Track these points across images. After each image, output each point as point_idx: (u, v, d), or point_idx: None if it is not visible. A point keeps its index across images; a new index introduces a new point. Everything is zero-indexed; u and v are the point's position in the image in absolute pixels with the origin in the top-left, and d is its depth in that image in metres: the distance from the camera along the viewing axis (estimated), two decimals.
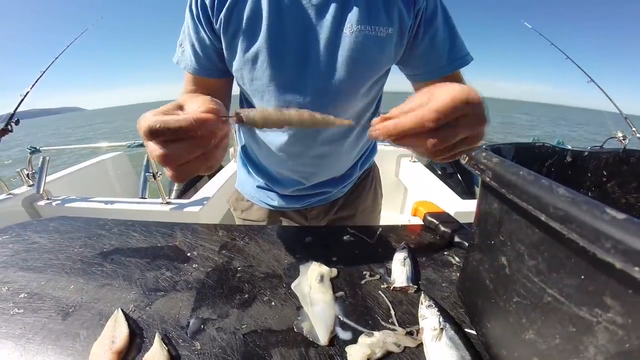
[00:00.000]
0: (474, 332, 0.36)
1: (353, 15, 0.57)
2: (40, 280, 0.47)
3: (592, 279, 0.20)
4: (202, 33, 0.61)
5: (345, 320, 0.38)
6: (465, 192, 2.09)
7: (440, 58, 0.65)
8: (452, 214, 1.62)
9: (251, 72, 0.61)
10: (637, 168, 0.39)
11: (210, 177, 2.05)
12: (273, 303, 0.41)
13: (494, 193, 0.26)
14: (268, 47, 0.58)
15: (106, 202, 1.71)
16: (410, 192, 2.26)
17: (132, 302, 0.41)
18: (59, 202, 1.77)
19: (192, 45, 0.63)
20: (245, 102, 0.74)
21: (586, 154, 0.39)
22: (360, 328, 0.37)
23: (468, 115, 0.32)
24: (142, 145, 1.69)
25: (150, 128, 0.30)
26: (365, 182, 0.90)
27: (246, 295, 0.42)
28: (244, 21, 0.57)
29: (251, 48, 0.58)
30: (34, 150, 1.88)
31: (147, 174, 1.68)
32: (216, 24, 0.59)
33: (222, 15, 0.57)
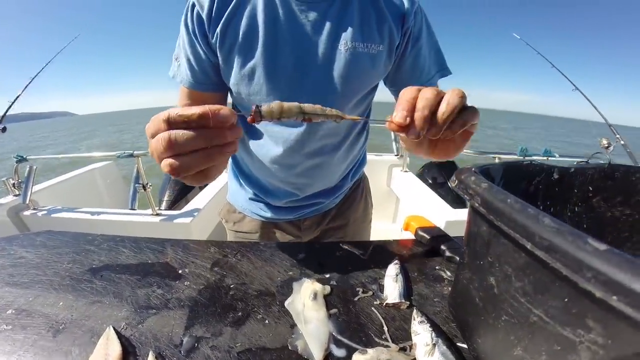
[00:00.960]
0: (465, 346, 0.36)
1: (348, 33, 0.59)
2: (28, 296, 0.46)
3: (575, 302, 0.21)
4: (198, 47, 0.61)
5: (339, 337, 0.38)
6: (456, 201, 2.11)
7: (421, 75, 0.68)
8: (443, 223, 1.65)
9: (248, 87, 0.62)
10: (622, 183, 0.41)
11: (201, 188, 2.04)
12: (267, 321, 0.41)
13: (482, 217, 0.27)
14: (265, 63, 0.59)
15: (94, 213, 1.68)
16: (402, 201, 2.28)
17: (124, 319, 0.41)
18: (45, 212, 1.74)
19: (188, 60, 0.63)
20: (237, 112, 0.74)
21: (572, 170, 0.40)
22: (354, 345, 0.37)
23: (467, 107, 0.37)
24: (132, 155, 1.67)
25: (168, 116, 0.31)
26: (355, 193, 0.92)
27: (239, 313, 0.42)
28: (240, 36, 0.58)
29: (248, 63, 0.59)
30: (21, 159, 1.85)
31: (136, 185, 1.66)
32: (212, 39, 0.59)
33: (218, 29, 0.57)
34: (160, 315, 0.41)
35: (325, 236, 0.90)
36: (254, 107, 0.34)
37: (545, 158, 1.64)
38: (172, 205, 2.17)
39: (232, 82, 0.62)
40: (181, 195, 2.23)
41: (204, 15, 0.57)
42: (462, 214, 1.67)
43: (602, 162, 0.41)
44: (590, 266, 0.17)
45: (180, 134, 0.31)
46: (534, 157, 1.69)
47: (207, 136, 0.32)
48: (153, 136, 0.33)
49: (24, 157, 1.84)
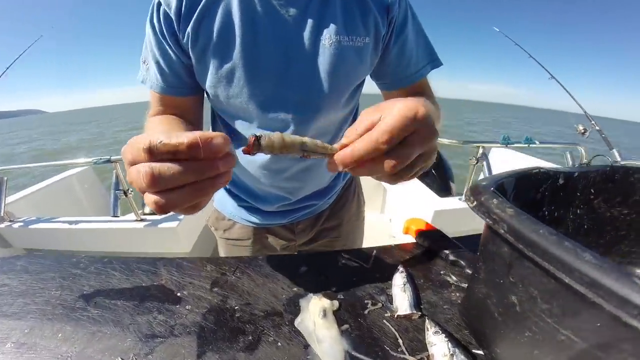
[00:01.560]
0: (481, 352, 0.37)
1: (331, 27, 0.56)
2: (23, 328, 0.43)
3: (609, 327, 0.21)
4: (167, 48, 0.57)
5: (355, 354, 0.38)
6: (442, 188, 2.15)
7: (408, 65, 0.66)
8: (431, 213, 1.68)
9: (227, 89, 0.58)
10: (621, 184, 0.42)
11: None
12: (279, 344, 0.40)
13: (503, 239, 0.26)
14: (244, 63, 0.55)
15: (75, 222, 1.61)
16: (390, 192, 2.30)
17: (130, 350, 0.39)
18: (22, 224, 1.66)
19: (157, 62, 0.59)
20: (220, 120, 0.71)
21: (576, 174, 0.41)
22: None
23: (419, 131, 0.33)
24: (109, 161, 1.60)
25: (149, 145, 0.26)
26: (348, 192, 0.91)
27: (250, 337, 0.41)
28: (215, 35, 0.54)
29: (225, 64, 0.56)
30: None
31: (117, 191, 1.60)
32: (183, 39, 0.55)
33: (189, 29, 0.53)
34: (167, 344, 0.40)
35: (319, 237, 0.89)
36: (252, 138, 0.30)
37: (526, 145, 1.68)
38: None
39: (209, 84, 0.59)
40: None
41: (172, 14, 0.53)
42: (449, 203, 1.71)
43: (604, 165, 0.42)
44: (636, 304, 0.17)
45: (165, 168, 0.27)
46: (516, 145, 1.73)
47: (197, 169, 0.28)
48: (132, 164, 0.29)
49: None
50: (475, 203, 0.30)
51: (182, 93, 0.62)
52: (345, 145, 0.34)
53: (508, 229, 0.25)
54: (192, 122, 0.65)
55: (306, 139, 0.33)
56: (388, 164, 0.32)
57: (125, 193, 1.60)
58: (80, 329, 0.43)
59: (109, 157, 1.59)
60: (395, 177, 0.36)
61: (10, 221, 1.68)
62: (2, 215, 1.66)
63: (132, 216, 1.62)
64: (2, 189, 1.65)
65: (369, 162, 0.33)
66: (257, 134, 0.30)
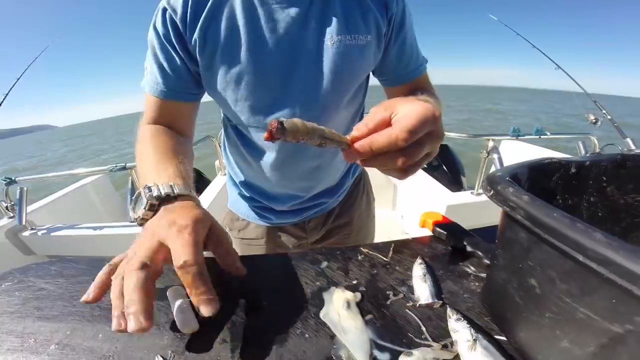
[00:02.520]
0: (504, 338, 0.38)
1: (332, 27, 0.58)
2: (65, 330, 0.46)
3: (623, 302, 0.22)
4: (173, 53, 0.58)
5: (381, 342, 0.40)
6: (453, 182, 2.15)
7: (409, 62, 0.69)
8: (444, 208, 1.68)
9: (235, 92, 0.60)
10: (633, 170, 0.43)
11: (199, 193, 2.03)
12: (307, 335, 0.42)
13: (521, 225, 0.28)
14: (251, 66, 0.57)
15: (95, 228, 1.66)
16: (400, 188, 2.31)
17: (168, 347, 0.41)
18: (45, 231, 1.72)
19: (160, 66, 0.59)
20: (229, 123, 0.73)
21: (588, 163, 0.42)
22: (397, 348, 0.39)
23: (432, 132, 0.37)
24: (124, 168, 1.64)
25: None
26: (357, 189, 0.93)
27: (279, 330, 0.43)
28: (222, 40, 0.56)
29: (233, 68, 0.57)
30: (10, 182, 1.80)
31: (133, 197, 1.64)
32: (190, 44, 0.57)
33: (196, 35, 0.55)
34: (202, 340, 0.42)
35: (330, 235, 0.91)
36: (275, 123, 0.31)
37: (537, 137, 1.68)
38: None
39: (219, 88, 0.61)
40: None
41: (177, 20, 0.55)
42: (461, 197, 1.71)
43: (615, 153, 0.43)
44: None
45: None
46: (526, 137, 1.73)
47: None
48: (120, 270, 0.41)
49: (13, 179, 1.80)
50: (492, 192, 0.31)
51: (181, 98, 0.63)
52: (357, 138, 0.37)
53: (525, 215, 0.26)
54: (185, 131, 0.67)
55: (324, 127, 0.35)
56: (401, 159, 0.36)
57: None
58: None
59: (124, 164, 1.63)
60: (403, 172, 0.40)
61: (32, 229, 1.75)
62: (24, 224, 1.72)
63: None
64: (23, 199, 1.71)
65: (383, 156, 0.36)
66: (280, 119, 0.31)
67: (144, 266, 0.38)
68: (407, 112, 0.36)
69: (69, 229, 1.69)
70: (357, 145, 0.36)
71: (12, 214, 1.79)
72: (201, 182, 2.41)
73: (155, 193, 0.47)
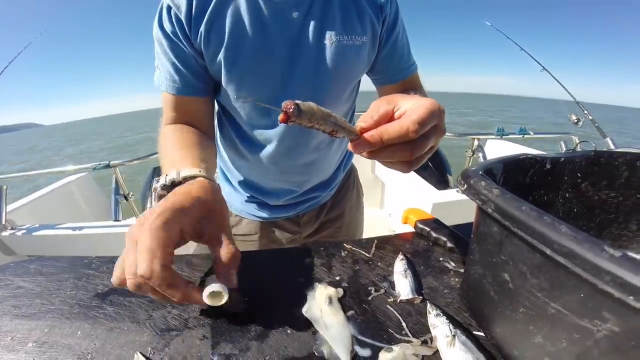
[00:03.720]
0: (482, 333, 0.39)
1: (331, 27, 0.60)
2: (43, 327, 0.45)
3: (591, 297, 0.23)
4: (182, 48, 0.58)
5: (362, 337, 0.40)
6: (440, 181, 2.18)
7: (401, 61, 0.71)
8: (430, 205, 1.70)
9: (238, 89, 0.61)
10: (606, 167, 0.44)
11: None
12: (289, 331, 0.42)
13: (494, 219, 0.29)
14: (254, 64, 0.58)
15: (77, 228, 1.63)
16: (388, 187, 2.33)
17: (148, 344, 0.41)
18: (25, 231, 1.67)
19: (173, 64, 0.59)
20: (226, 120, 0.73)
21: (562, 159, 0.43)
22: (377, 344, 0.39)
23: (437, 126, 0.38)
24: (108, 166, 1.61)
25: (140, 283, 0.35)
26: (348, 183, 0.95)
27: (260, 326, 0.43)
28: (226, 36, 0.56)
29: (236, 65, 0.58)
30: None
31: (117, 196, 1.61)
32: (196, 40, 0.57)
33: (201, 30, 0.56)
34: (183, 336, 0.42)
35: (323, 228, 0.92)
36: (290, 104, 0.29)
37: (521, 136, 1.71)
38: None
39: (222, 83, 0.61)
40: None
41: (182, 17, 0.55)
42: (447, 195, 1.73)
43: (589, 149, 0.44)
44: (608, 271, 0.19)
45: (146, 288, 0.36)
46: (510, 136, 1.76)
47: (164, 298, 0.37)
48: (133, 243, 0.36)
49: None
50: (465, 186, 0.32)
51: (197, 92, 0.63)
52: (364, 129, 0.36)
53: (495, 208, 0.27)
54: (206, 129, 0.67)
55: (336, 115, 0.34)
56: (409, 151, 0.36)
57: (125, 197, 1.62)
58: (98, 326, 0.45)
59: (107, 162, 1.60)
60: (409, 165, 0.40)
61: (12, 229, 1.70)
62: (3, 223, 1.67)
63: (133, 220, 1.64)
64: (2, 197, 1.67)
65: (391, 147, 0.36)
66: (295, 101, 0.30)
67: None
68: (415, 105, 0.36)
69: (50, 229, 1.65)
70: (367, 135, 0.35)
71: None
72: None
73: (160, 183, 0.46)
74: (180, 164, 0.49)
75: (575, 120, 1.67)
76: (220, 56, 0.58)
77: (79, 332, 0.44)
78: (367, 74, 0.74)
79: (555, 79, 1.96)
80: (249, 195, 0.83)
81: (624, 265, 0.19)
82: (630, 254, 0.19)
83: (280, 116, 0.30)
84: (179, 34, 0.56)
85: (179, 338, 0.42)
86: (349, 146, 0.37)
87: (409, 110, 0.36)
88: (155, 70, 0.64)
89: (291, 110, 0.29)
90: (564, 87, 1.93)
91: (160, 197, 0.45)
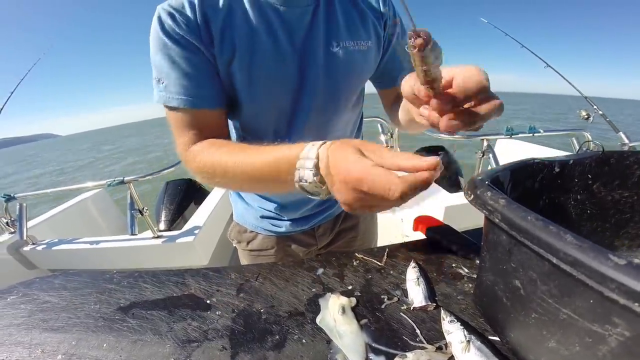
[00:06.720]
0: (497, 338, 0.39)
1: (336, 34, 0.61)
2: (70, 340, 0.47)
3: (599, 304, 0.23)
4: (195, 53, 0.54)
5: (376, 345, 0.41)
6: (450, 184, 2.16)
7: (402, 63, 0.71)
8: (442, 209, 1.69)
9: (249, 96, 0.61)
10: (617, 167, 0.44)
11: (197, 204, 2.03)
12: (304, 340, 0.43)
13: (500, 228, 0.29)
14: (267, 72, 0.58)
15: (96, 242, 1.67)
16: None
17: (171, 355, 0.42)
18: (45, 246, 1.73)
19: (186, 74, 0.54)
20: (236, 132, 0.73)
21: (571, 161, 0.43)
22: (392, 351, 0.40)
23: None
24: (122, 182, 1.64)
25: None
26: None
27: (277, 337, 0.44)
28: (238, 45, 0.55)
29: (249, 73, 0.58)
30: (9, 198, 1.81)
31: (132, 211, 1.65)
32: (212, 46, 0.55)
33: (213, 34, 0.54)
34: (203, 348, 0.43)
35: (338, 238, 0.92)
36: (424, 33, 0.29)
37: (531, 135, 1.69)
38: (171, 224, 2.15)
39: (236, 89, 0.60)
40: (178, 213, 2.21)
41: (190, 23, 0.53)
42: (459, 198, 1.71)
43: (597, 150, 0.44)
44: (613, 279, 0.20)
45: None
46: (520, 135, 1.74)
47: None
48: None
49: (12, 195, 1.80)
50: (472, 197, 0.33)
51: (214, 104, 0.58)
52: (445, 87, 0.35)
53: (502, 218, 0.28)
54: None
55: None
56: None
57: (140, 212, 1.65)
58: (122, 338, 0.47)
59: (122, 178, 1.64)
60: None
61: (33, 244, 1.75)
62: (25, 239, 1.72)
63: (149, 233, 1.67)
64: (23, 214, 1.72)
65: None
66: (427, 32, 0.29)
67: None
68: (472, 73, 0.34)
69: (69, 244, 1.70)
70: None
71: (12, 230, 1.79)
72: (199, 193, 2.41)
73: (306, 173, 0.42)
74: (291, 149, 0.45)
75: (585, 116, 1.63)
76: (234, 64, 0.56)
77: (104, 345, 0.46)
78: (369, 79, 0.75)
79: (560, 74, 1.92)
80: (264, 210, 0.83)
81: (629, 273, 0.19)
82: (636, 261, 0.20)
83: (419, 41, 0.29)
84: (190, 38, 0.53)
85: (200, 349, 0.43)
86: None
87: (480, 81, 0.34)
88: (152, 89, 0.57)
89: (426, 37, 0.29)
90: (569, 82, 1.89)
91: (319, 182, 0.42)
